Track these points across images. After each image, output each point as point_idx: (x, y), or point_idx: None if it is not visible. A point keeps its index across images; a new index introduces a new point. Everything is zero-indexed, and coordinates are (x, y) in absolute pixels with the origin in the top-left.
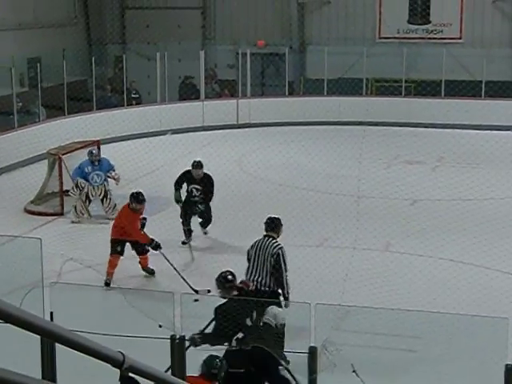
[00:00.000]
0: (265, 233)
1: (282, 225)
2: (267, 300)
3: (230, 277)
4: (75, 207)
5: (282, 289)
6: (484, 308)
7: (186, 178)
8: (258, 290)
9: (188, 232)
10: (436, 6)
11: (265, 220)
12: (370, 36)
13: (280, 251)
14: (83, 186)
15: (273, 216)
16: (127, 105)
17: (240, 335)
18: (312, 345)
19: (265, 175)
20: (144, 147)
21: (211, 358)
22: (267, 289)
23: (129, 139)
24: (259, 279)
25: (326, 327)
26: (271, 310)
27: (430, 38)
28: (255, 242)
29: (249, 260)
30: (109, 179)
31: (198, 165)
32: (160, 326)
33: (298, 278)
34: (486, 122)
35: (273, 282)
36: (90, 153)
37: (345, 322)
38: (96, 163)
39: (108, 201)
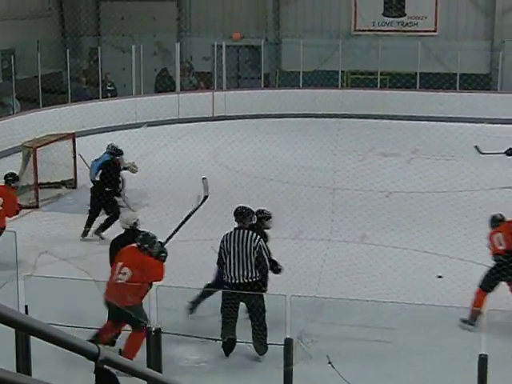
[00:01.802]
0: (236, 224)
1: (251, 213)
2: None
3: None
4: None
5: (265, 279)
6: (458, 299)
7: None
8: (245, 283)
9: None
10: None
11: (233, 211)
12: (346, 28)
13: (261, 243)
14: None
15: (241, 206)
16: (102, 97)
17: None
18: (288, 337)
19: (240, 168)
20: (119, 140)
21: (145, 235)
22: (252, 280)
23: (104, 132)
24: (244, 273)
25: (302, 319)
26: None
27: (404, 31)
28: (229, 235)
29: (225, 254)
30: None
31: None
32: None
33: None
34: (460, 114)
35: (257, 273)
36: (113, 147)
37: (320, 314)
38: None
39: None
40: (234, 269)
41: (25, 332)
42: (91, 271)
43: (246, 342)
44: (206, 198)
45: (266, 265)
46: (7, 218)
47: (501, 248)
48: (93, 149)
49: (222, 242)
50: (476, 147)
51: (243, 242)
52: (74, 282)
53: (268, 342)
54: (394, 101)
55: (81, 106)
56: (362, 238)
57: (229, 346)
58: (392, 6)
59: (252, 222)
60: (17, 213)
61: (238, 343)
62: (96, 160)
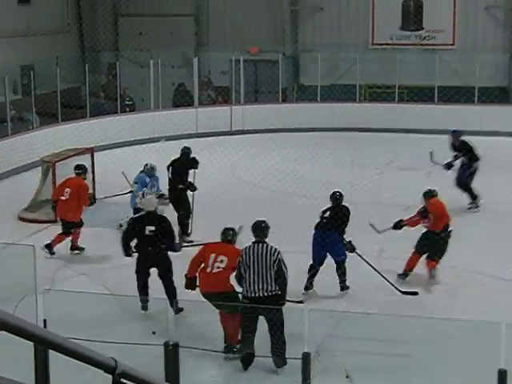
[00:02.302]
0: (254, 239)
1: (269, 227)
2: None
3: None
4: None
5: (284, 292)
6: (478, 313)
7: None
8: (265, 296)
9: None
10: (429, 13)
11: (252, 225)
12: (363, 42)
13: (280, 256)
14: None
15: (259, 220)
16: (121, 112)
17: None
18: (305, 351)
19: (257, 182)
20: (137, 154)
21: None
22: (272, 293)
23: (122, 146)
24: (265, 286)
25: (320, 333)
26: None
27: (422, 45)
28: (248, 249)
29: (244, 268)
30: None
31: None
32: (154, 333)
33: (293, 284)
34: (479, 127)
35: (276, 287)
36: (152, 169)
37: (338, 328)
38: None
39: None
40: (254, 283)
41: (43, 346)
42: (109, 285)
43: (265, 356)
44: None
45: (285, 278)
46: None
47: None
48: (111, 163)
49: (241, 256)
50: (430, 153)
51: (263, 256)
52: (92, 295)
53: (286, 355)
54: (412, 114)
55: (99, 121)
56: (380, 251)
57: (247, 359)
58: (410, 19)
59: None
60: (90, 204)
61: (256, 357)
62: (135, 183)
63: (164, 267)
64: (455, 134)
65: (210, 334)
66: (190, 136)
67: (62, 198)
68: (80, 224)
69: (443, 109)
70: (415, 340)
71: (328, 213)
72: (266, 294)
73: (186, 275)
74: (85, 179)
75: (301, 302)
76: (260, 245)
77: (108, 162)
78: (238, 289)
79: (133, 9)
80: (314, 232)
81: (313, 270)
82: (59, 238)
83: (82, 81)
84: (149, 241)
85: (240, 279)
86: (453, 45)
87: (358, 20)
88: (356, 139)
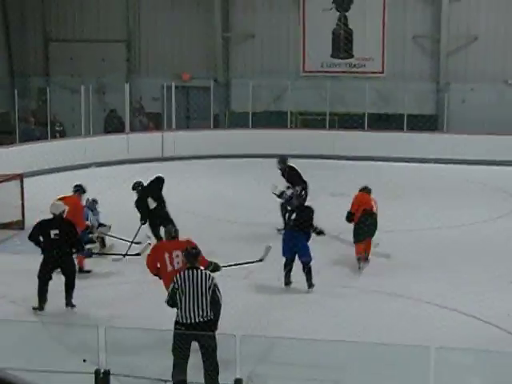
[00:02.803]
0: (188, 264)
1: (200, 253)
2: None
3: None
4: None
5: (218, 317)
6: (407, 337)
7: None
8: (200, 322)
9: None
10: (358, 41)
11: (184, 252)
12: (295, 69)
13: (214, 281)
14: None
15: (191, 247)
16: (51, 137)
17: None
18: (238, 377)
19: (189, 208)
20: (68, 180)
21: (167, 228)
22: (207, 319)
23: (52, 172)
24: (200, 312)
25: (252, 359)
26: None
27: (352, 72)
28: (182, 275)
29: (181, 294)
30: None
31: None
32: (84, 361)
33: (223, 310)
34: (408, 154)
35: (211, 312)
36: (94, 201)
37: (270, 354)
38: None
39: None
40: (190, 309)
41: None
42: (39, 312)
43: (197, 383)
44: (260, 260)
45: (220, 303)
46: None
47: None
48: (41, 190)
49: (176, 282)
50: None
51: (198, 282)
52: (21, 323)
53: (219, 381)
54: (343, 141)
55: (29, 147)
56: (315, 275)
57: None
58: (340, 47)
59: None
60: (84, 227)
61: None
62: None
63: (67, 269)
64: (282, 158)
65: (142, 361)
66: (121, 162)
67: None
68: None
69: (373, 135)
70: (347, 365)
71: (294, 215)
72: (201, 320)
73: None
74: (80, 200)
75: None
76: (194, 271)
77: (38, 189)
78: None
79: (63, 34)
80: (283, 231)
81: (288, 266)
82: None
83: (11, 106)
84: (53, 244)
85: (173, 305)
86: (382, 73)
87: (289, 47)
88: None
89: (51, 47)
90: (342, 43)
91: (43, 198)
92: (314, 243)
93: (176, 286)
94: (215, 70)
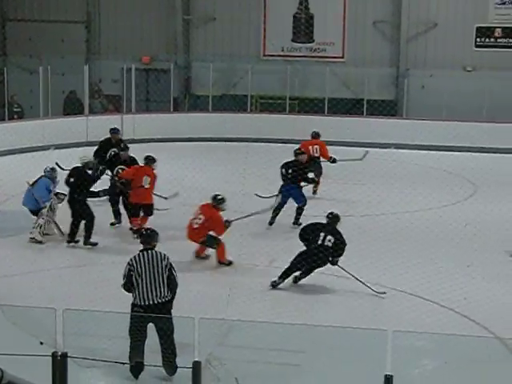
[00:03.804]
0: (144, 245)
1: (157, 234)
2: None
3: None
4: (41, 226)
5: (174, 297)
6: (365, 321)
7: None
8: (158, 303)
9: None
10: (319, 26)
11: (139, 234)
12: (255, 53)
13: (170, 261)
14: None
15: (146, 228)
16: (8, 119)
17: None
18: (196, 359)
19: None
20: (26, 162)
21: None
22: (164, 300)
23: (10, 154)
24: (158, 293)
25: (210, 342)
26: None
27: (313, 57)
28: (138, 257)
29: (136, 277)
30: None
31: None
32: (41, 343)
33: (182, 293)
34: (367, 139)
35: (168, 292)
36: (54, 170)
37: (229, 337)
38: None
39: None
40: (147, 290)
41: None
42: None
43: (155, 366)
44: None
45: (176, 282)
46: None
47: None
48: None
49: (131, 265)
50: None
51: (154, 262)
52: None
53: (177, 364)
54: (303, 125)
55: None
56: (271, 261)
57: (137, 368)
58: (301, 31)
59: (157, 241)
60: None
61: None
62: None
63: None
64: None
65: (99, 343)
66: (79, 144)
67: (145, 186)
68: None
69: (333, 120)
70: (305, 349)
71: (290, 170)
72: (159, 301)
73: None
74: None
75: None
76: (149, 251)
77: None
78: None
79: (21, 13)
80: (282, 184)
81: (277, 211)
82: (144, 221)
83: None
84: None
85: (130, 288)
86: (342, 57)
87: (250, 31)
88: (247, 149)
89: (8, 27)
90: (303, 27)
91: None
92: (277, 229)
93: (131, 268)
94: (175, 53)
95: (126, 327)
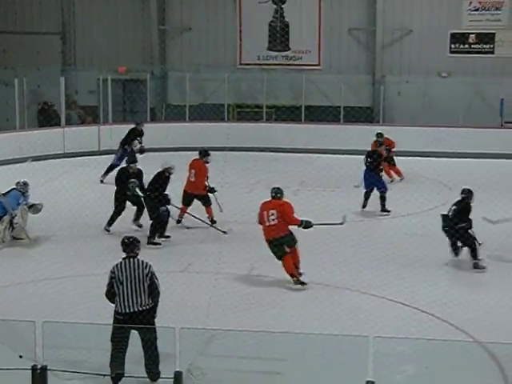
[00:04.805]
0: (126, 254)
1: (139, 241)
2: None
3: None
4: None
5: (157, 305)
6: (346, 328)
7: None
8: (139, 311)
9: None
10: (295, 34)
11: (121, 241)
12: (231, 62)
13: (152, 269)
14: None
15: (128, 236)
16: None
17: None
18: (177, 370)
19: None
20: (3, 175)
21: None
22: (146, 308)
23: None
24: (139, 300)
25: (191, 352)
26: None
27: (289, 65)
28: (120, 265)
29: (117, 285)
30: None
31: None
32: (20, 357)
33: (162, 302)
34: (344, 146)
35: (150, 300)
36: (26, 184)
37: (210, 346)
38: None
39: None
40: (129, 298)
41: None
42: None
43: (136, 377)
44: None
45: (159, 291)
46: None
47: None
48: None
49: (113, 273)
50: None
51: (135, 270)
52: None
53: (160, 370)
54: (280, 133)
55: None
56: (251, 269)
57: (118, 378)
58: (276, 40)
59: (139, 249)
60: (204, 189)
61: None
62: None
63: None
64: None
65: (79, 356)
66: (57, 156)
67: (191, 179)
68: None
69: (310, 127)
70: (287, 356)
71: (369, 159)
72: (140, 309)
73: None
74: (206, 162)
75: (341, 223)
76: (132, 260)
77: None
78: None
79: None
80: (364, 169)
81: (366, 194)
82: (208, 211)
83: None
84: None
85: (112, 296)
86: (318, 65)
87: (226, 40)
88: (225, 158)
89: None
90: (279, 36)
91: None
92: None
93: (113, 275)
94: (152, 63)
95: (106, 339)
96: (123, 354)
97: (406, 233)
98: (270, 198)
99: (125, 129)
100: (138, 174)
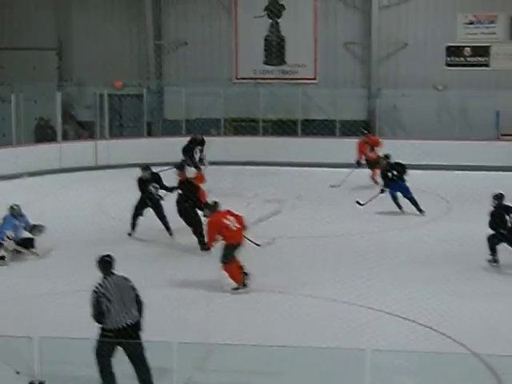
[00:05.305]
0: (105, 272)
1: (114, 259)
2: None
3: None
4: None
5: (142, 317)
6: (343, 341)
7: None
8: (129, 324)
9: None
10: (291, 48)
11: (99, 260)
12: (227, 76)
13: (132, 283)
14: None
15: (104, 255)
16: None
17: None
18: None
19: (125, 217)
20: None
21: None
22: (136, 320)
23: None
24: (129, 314)
25: (189, 366)
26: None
27: (285, 79)
28: (104, 284)
29: (107, 302)
30: None
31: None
32: (18, 373)
33: (159, 317)
34: (340, 160)
35: (136, 313)
36: (17, 206)
37: (208, 361)
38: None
39: None
40: (119, 313)
41: None
42: None
43: None
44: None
45: (143, 302)
46: None
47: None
48: None
49: (99, 293)
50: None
51: (120, 286)
52: None
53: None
54: (276, 147)
55: None
56: (247, 283)
57: None
58: (272, 54)
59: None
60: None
61: None
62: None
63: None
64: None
65: (76, 372)
66: (54, 171)
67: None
68: None
69: (306, 141)
70: (284, 370)
71: (395, 172)
72: (131, 322)
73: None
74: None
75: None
76: (113, 276)
77: None
78: None
79: None
80: (392, 181)
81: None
82: None
83: None
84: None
85: (101, 317)
86: (314, 79)
87: (222, 54)
88: (222, 172)
89: None
90: (275, 50)
91: None
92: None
93: (100, 295)
94: (148, 78)
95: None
96: (114, 373)
97: (403, 245)
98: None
99: (121, 144)
100: (156, 178)
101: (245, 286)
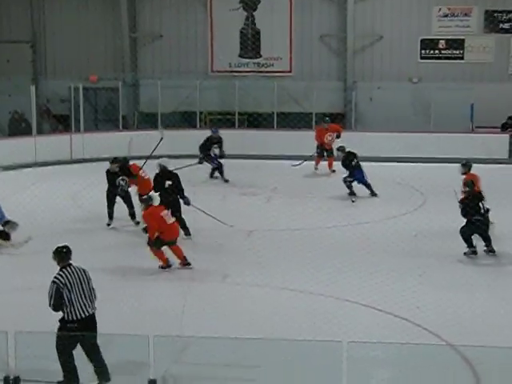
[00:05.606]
0: (63, 263)
1: (71, 250)
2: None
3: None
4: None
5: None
6: (319, 333)
7: None
8: (91, 314)
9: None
10: (266, 41)
11: (57, 251)
12: (203, 69)
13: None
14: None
15: (61, 246)
16: None
17: None
18: (151, 378)
19: (100, 211)
20: None
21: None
22: (94, 311)
23: None
24: (90, 303)
25: (166, 360)
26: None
27: (261, 72)
28: (64, 274)
29: (68, 292)
30: None
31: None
32: None
33: (136, 311)
34: (311, 152)
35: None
36: None
37: (184, 354)
38: None
39: None
40: (80, 303)
41: None
42: None
43: None
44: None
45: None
46: None
47: None
48: None
49: (59, 283)
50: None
51: (80, 276)
52: None
53: (133, 383)
54: (252, 140)
55: None
56: (224, 277)
57: None
58: (247, 47)
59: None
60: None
61: None
62: None
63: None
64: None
65: (52, 366)
66: (28, 165)
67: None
68: None
69: (282, 134)
70: (260, 363)
71: (355, 161)
72: (92, 312)
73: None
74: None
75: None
76: (71, 267)
77: None
78: None
79: None
80: (354, 169)
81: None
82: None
83: None
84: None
85: (60, 306)
86: (290, 72)
87: (197, 47)
88: (197, 165)
89: None
90: (250, 43)
91: None
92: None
93: (60, 286)
94: (123, 71)
95: (79, 348)
96: (75, 365)
97: (378, 238)
98: None
99: (97, 137)
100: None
101: (169, 266)
